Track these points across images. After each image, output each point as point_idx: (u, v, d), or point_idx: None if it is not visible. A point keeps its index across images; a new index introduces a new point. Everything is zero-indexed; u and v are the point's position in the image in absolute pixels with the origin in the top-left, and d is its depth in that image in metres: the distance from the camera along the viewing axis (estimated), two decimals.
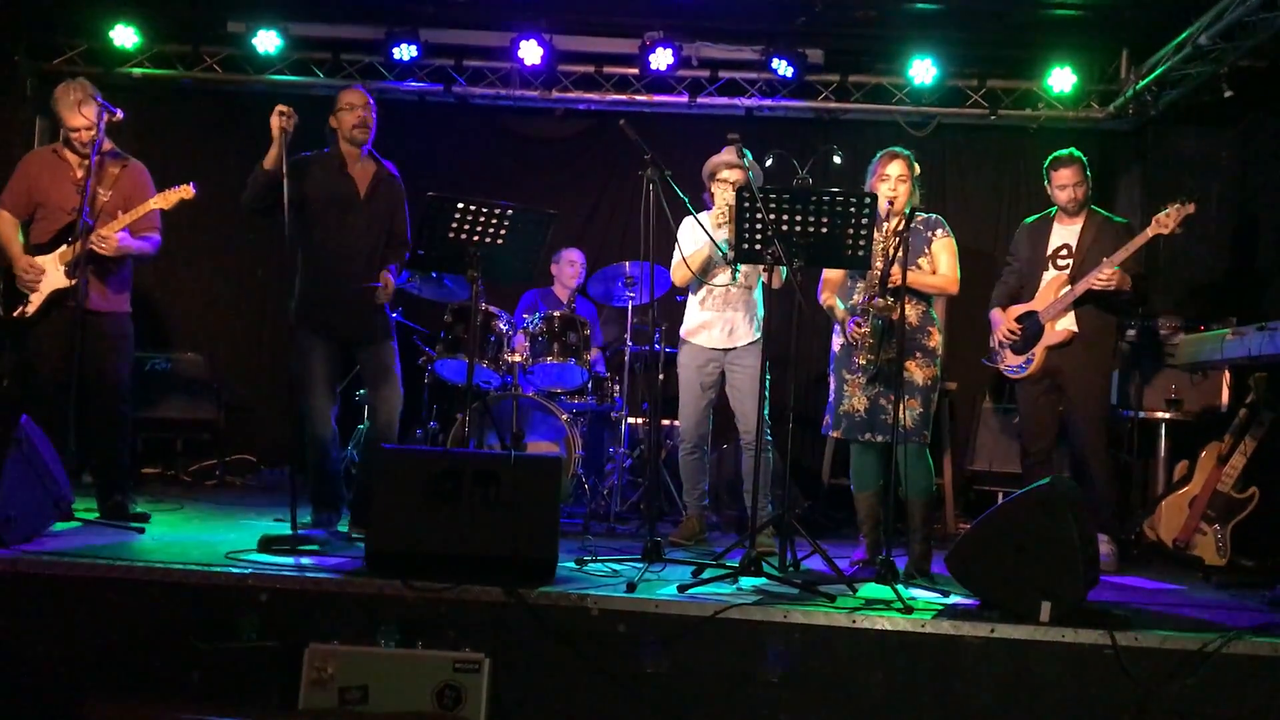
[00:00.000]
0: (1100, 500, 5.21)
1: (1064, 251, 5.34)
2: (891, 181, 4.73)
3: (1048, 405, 5.35)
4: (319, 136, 5.05)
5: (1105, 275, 5.06)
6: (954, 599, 4.09)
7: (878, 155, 4.85)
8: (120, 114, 4.96)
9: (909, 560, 4.68)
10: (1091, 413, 5.28)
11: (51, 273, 4.90)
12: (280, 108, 4.70)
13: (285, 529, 4.50)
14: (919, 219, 4.82)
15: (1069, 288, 5.21)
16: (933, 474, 4.83)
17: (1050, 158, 5.39)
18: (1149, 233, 5.05)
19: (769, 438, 5.15)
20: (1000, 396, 7.05)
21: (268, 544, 4.30)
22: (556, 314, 6.15)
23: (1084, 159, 5.34)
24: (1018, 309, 5.38)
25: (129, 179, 5.08)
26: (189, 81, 7.65)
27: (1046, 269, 5.36)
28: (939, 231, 4.84)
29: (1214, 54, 6.23)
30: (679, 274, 5.39)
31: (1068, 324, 5.24)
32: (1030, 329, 5.31)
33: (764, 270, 4.64)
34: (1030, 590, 3.69)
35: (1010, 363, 5.39)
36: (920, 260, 4.78)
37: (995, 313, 5.47)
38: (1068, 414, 5.33)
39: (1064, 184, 5.31)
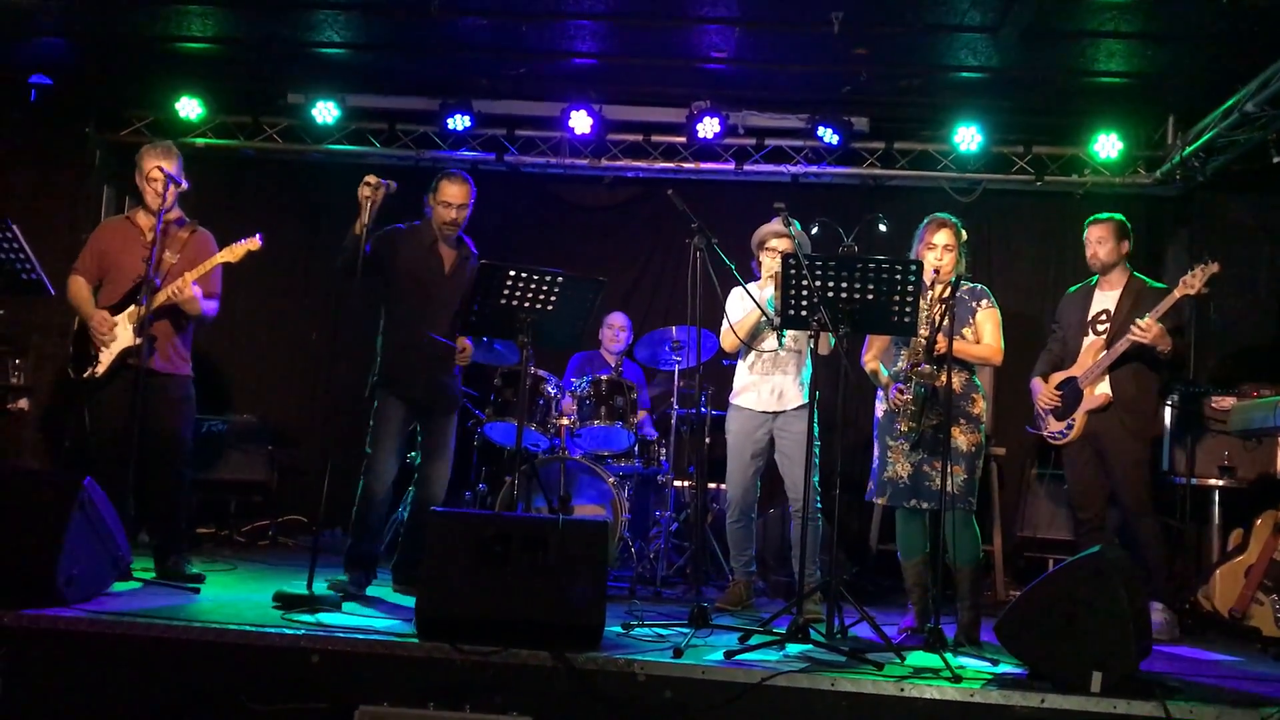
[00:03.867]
0: (1152, 568, 5.15)
1: (1103, 317, 5.36)
2: (938, 250, 4.77)
3: (1093, 471, 5.31)
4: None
5: (1144, 324, 5.02)
6: (1003, 668, 4.05)
7: (924, 223, 4.89)
8: (186, 185, 5.16)
9: (958, 628, 4.65)
10: (1131, 478, 5.22)
11: (121, 332, 5.05)
12: (368, 178, 4.84)
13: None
14: (964, 288, 4.85)
15: (1106, 351, 5.21)
16: (979, 540, 4.81)
17: (1089, 219, 5.46)
18: (1176, 294, 5.04)
19: (818, 504, 5.14)
20: (1048, 462, 6.99)
21: (283, 600, 4.39)
22: (604, 378, 6.22)
23: (1115, 220, 5.37)
24: (1059, 375, 5.40)
25: (195, 245, 5.24)
26: (250, 151, 7.88)
27: (1086, 335, 5.38)
28: (984, 302, 4.86)
29: (1261, 120, 6.22)
30: (728, 341, 5.44)
31: (1104, 389, 5.24)
32: (1070, 395, 5.32)
33: (811, 335, 4.68)
34: (1081, 660, 3.66)
35: (1052, 429, 5.39)
36: (964, 330, 4.80)
37: (1035, 382, 5.49)
38: (1111, 480, 5.29)
39: (1089, 241, 5.39)
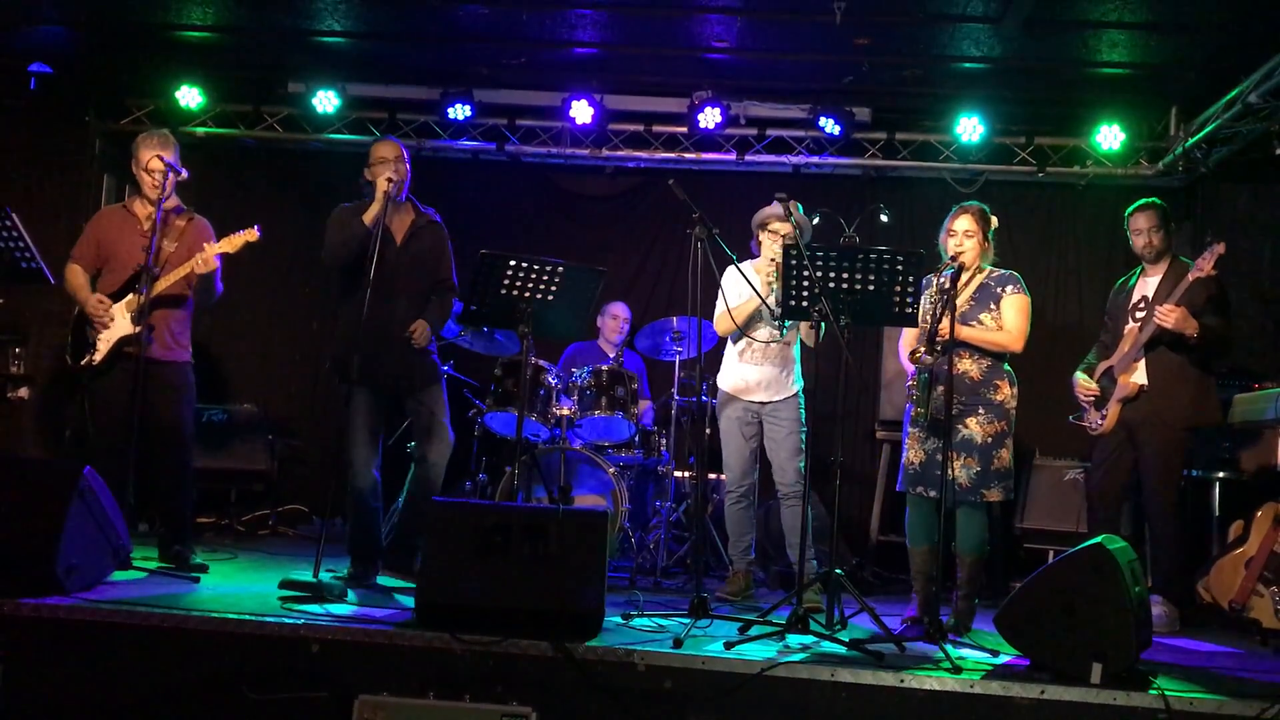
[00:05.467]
0: (1160, 561, 5.13)
1: (1142, 304, 5.30)
2: (958, 237, 4.75)
3: (1120, 462, 5.27)
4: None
5: (1165, 308, 4.99)
6: (1004, 659, 4.05)
7: (951, 210, 4.88)
8: (185, 174, 5.15)
9: (951, 615, 4.65)
10: (1161, 469, 5.18)
11: (119, 320, 5.04)
12: (390, 174, 4.86)
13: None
14: (993, 274, 4.83)
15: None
16: (985, 531, 4.75)
17: (1131, 206, 5.40)
18: (1190, 277, 5.00)
19: (801, 487, 5.13)
20: (1049, 454, 6.97)
21: (286, 585, 4.39)
22: (604, 368, 6.21)
23: (1164, 207, 5.32)
24: (1102, 366, 5.37)
25: (193, 233, 5.24)
26: (250, 140, 7.87)
27: (1127, 323, 5.34)
28: (1010, 288, 4.81)
29: (1264, 112, 6.20)
30: (722, 325, 5.40)
31: (1138, 377, 5.19)
32: (1108, 384, 5.29)
33: (811, 326, 4.66)
34: (1081, 651, 3.66)
35: (1093, 419, 5.35)
36: (983, 316, 4.76)
37: (1075, 378, 5.45)
38: (1140, 470, 5.25)
39: (1139, 229, 5.31)
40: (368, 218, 4.88)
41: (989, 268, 4.86)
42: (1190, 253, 5.14)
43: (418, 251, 5.08)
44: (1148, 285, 5.33)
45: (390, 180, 4.85)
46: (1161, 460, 5.19)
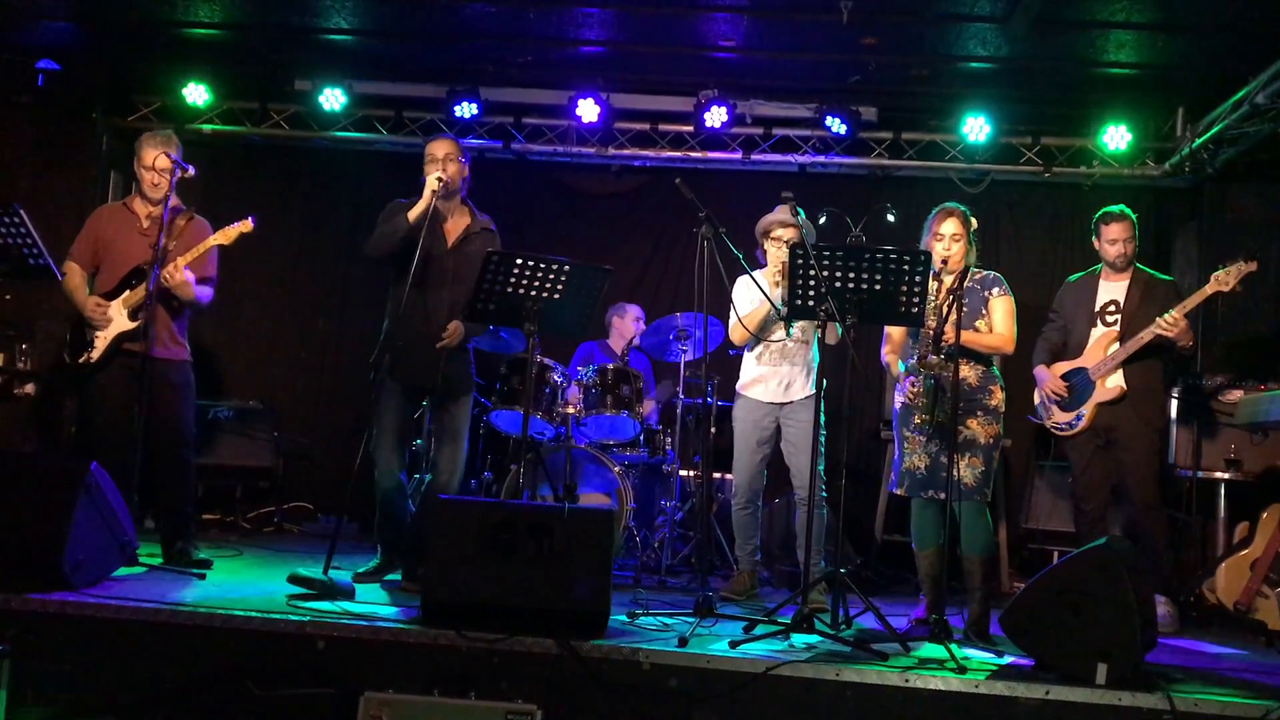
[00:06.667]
0: (1157, 561, 5.14)
1: (1111, 308, 5.34)
2: (946, 240, 4.74)
3: (1099, 463, 5.31)
4: (382, 191, 5.13)
5: (1171, 319, 5.02)
6: (1009, 659, 4.05)
7: (933, 212, 4.86)
8: (192, 170, 5.15)
9: (966, 621, 4.64)
10: (1145, 470, 5.23)
11: (116, 317, 5.04)
12: (439, 174, 4.82)
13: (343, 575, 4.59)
14: (976, 276, 4.82)
15: (1118, 345, 5.21)
16: (992, 532, 4.78)
17: (1100, 212, 5.41)
18: (1208, 290, 5.03)
19: (823, 493, 5.14)
20: (1049, 454, 6.96)
21: (294, 580, 4.38)
22: (610, 366, 6.21)
23: (1133, 216, 5.36)
24: (1064, 365, 5.38)
25: (192, 232, 5.23)
26: (257, 137, 7.88)
27: (1095, 325, 5.36)
28: (996, 290, 4.83)
29: (1272, 113, 6.21)
30: (736, 334, 5.41)
31: (1118, 380, 5.23)
32: (1079, 385, 5.30)
33: (818, 326, 4.66)
34: (1086, 652, 3.66)
35: (1059, 419, 5.36)
36: (977, 322, 4.77)
37: (1039, 370, 5.46)
38: (1121, 472, 5.29)
39: (1114, 239, 5.32)
40: (412, 214, 4.83)
41: (971, 269, 4.86)
42: (1198, 253, 5.15)
43: (467, 256, 5.00)
44: (1114, 290, 5.37)
45: (440, 180, 4.81)
46: (1145, 460, 5.25)
